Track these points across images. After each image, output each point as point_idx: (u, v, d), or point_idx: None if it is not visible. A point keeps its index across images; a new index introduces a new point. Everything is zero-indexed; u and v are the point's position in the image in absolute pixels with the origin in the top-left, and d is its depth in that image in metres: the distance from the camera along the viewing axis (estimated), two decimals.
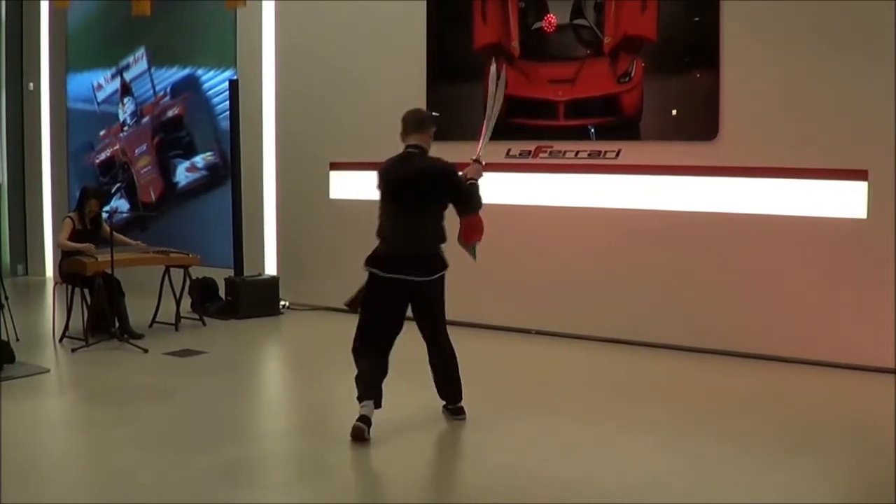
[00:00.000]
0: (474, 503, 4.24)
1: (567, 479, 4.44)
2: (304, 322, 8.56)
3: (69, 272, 7.50)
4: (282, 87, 9.11)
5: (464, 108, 7.64)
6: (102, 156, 10.83)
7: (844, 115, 6.41)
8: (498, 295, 7.82)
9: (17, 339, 7.15)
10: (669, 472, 4.51)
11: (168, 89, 10.14)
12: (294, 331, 8.31)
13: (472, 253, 5.31)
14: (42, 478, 4.47)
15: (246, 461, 4.75)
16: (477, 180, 5.21)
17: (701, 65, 6.90)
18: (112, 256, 7.28)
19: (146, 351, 7.09)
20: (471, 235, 5.23)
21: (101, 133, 10.81)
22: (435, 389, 5.33)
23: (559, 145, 7.57)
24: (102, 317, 7.43)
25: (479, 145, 5.40)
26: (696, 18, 6.91)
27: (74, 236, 7.56)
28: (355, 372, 5.07)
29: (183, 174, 10.12)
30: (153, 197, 10.38)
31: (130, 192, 10.58)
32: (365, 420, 4.90)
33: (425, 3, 8.11)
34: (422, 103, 7.19)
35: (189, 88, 9.96)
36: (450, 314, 5.26)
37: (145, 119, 10.39)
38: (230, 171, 9.06)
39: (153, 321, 8.04)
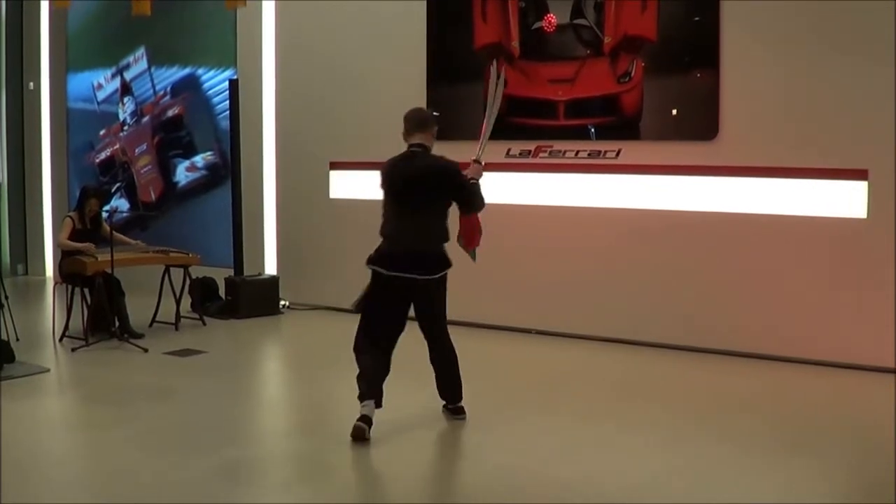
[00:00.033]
0: (474, 503, 4.24)
1: (567, 478, 4.44)
2: (304, 322, 8.56)
3: (69, 272, 7.50)
4: (282, 87, 9.11)
5: (464, 108, 7.64)
6: (102, 155, 10.83)
7: (844, 115, 6.41)
8: (498, 295, 7.82)
9: (17, 339, 7.15)
10: (669, 472, 4.51)
11: (168, 89, 10.15)
12: (294, 330, 8.31)
13: (472, 255, 5.33)
14: (42, 478, 4.47)
15: (246, 461, 4.75)
16: (478, 180, 5.21)
17: (701, 65, 6.90)
18: (112, 256, 7.28)
19: (146, 350, 7.10)
20: (471, 239, 5.24)
21: (101, 133, 10.81)
22: (435, 389, 5.33)
23: (559, 145, 7.57)
24: (102, 316, 7.43)
25: (480, 146, 5.41)
26: (697, 18, 6.91)
27: (74, 236, 7.56)
28: (356, 371, 5.07)
29: (183, 174, 10.12)
30: (153, 196, 10.38)
31: (130, 192, 10.58)
32: (366, 420, 4.90)
33: (425, 3, 8.10)
34: (422, 103, 7.18)
35: (189, 88, 9.96)
36: (450, 314, 5.25)
37: (145, 119, 10.39)
38: (230, 171, 9.06)
39: (153, 321, 8.04)
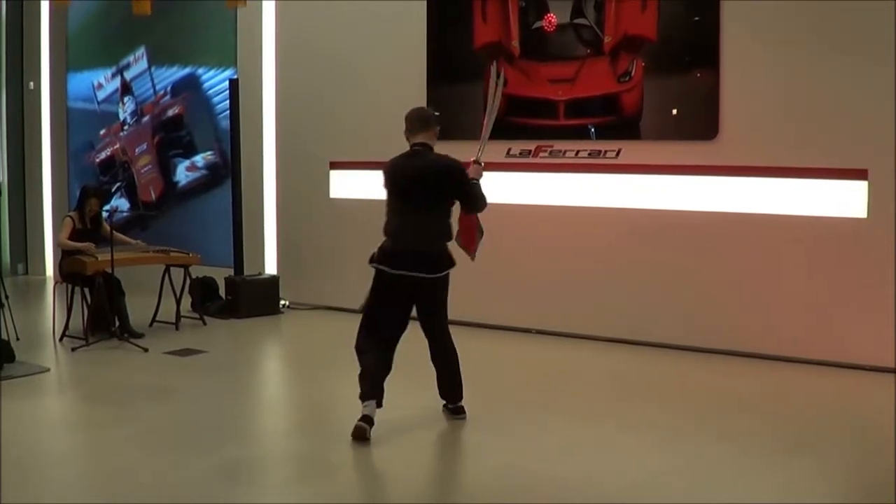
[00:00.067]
0: (474, 503, 4.24)
1: (567, 478, 4.44)
2: (305, 321, 8.56)
3: (69, 271, 7.50)
4: (282, 87, 9.11)
5: (464, 107, 7.64)
6: (103, 155, 10.83)
7: (844, 114, 6.41)
8: (498, 294, 7.82)
9: (18, 339, 7.15)
10: (669, 472, 4.51)
11: (168, 88, 10.15)
12: (294, 330, 8.31)
13: (469, 253, 5.33)
14: (42, 477, 4.47)
15: (246, 461, 4.75)
16: (478, 181, 5.22)
17: (701, 64, 6.90)
18: (112, 256, 7.28)
19: (146, 350, 7.10)
20: (470, 240, 5.25)
21: (102, 132, 10.81)
22: (435, 388, 5.33)
23: (559, 145, 7.57)
24: (103, 316, 7.43)
25: (480, 146, 5.41)
26: (697, 18, 6.91)
27: (75, 235, 7.56)
28: (357, 370, 5.07)
29: (183, 173, 10.12)
30: (153, 196, 10.38)
31: (131, 192, 10.59)
32: (367, 420, 4.91)
33: (425, 2, 8.10)
34: (422, 103, 7.15)
35: (189, 88, 9.96)
36: (450, 313, 5.26)
37: (145, 118, 10.39)
38: (230, 171, 9.06)
39: (153, 320, 8.04)
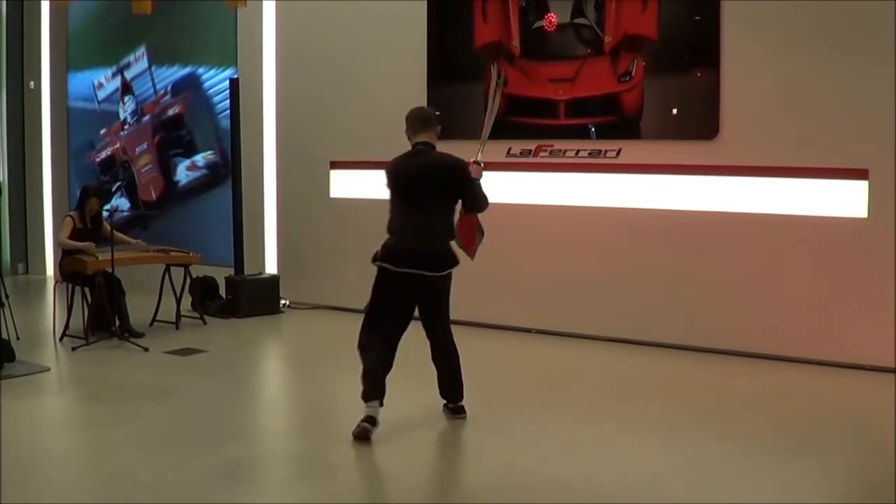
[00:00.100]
0: (474, 503, 4.24)
1: (567, 478, 4.44)
2: (305, 321, 8.56)
3: (70, 271, 7.50)
4: (282, 87, 9.11)
5: (464, 107, 7.64)
6: (103, 154, 10.83)
7: (844, 114, 6.41)
8: (498, 294, 7.82)
9: (18, 338, 7.15)
10: (670, 472, 4.51)
11: (169, 88, 10.15)
12: (294, 330, 8.31)
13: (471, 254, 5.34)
14: (42, 477, 4.47)
15: (246, 460, 4.75)
16: (478, 181, 5.22)
17: (701, 64, 6.90)
18: (112, 255, 7.28)
19: (146, 350, 7.10)
20: (470, 240, 5.25)
21: (102, 132, 10.81)
22: (436, 388, 5.33)
23: (560, 144, 7.57)
24: (103, 315, 7.43)
25: (480, 146, 5.41)
26: (697, 18, 6.91)
27: (75, 235, 7.56)
28: (359, 369, 5.07)
29: (183, 173, 10.12)
30: (154, 196, 10.38)
31: (131, 191, 10.58)
32: (370, 421, 4.91)
33: (425, 2, 8.10)
34: (422, 103, 7.15)
35: (190, 87, 9.96)
36: (450, 313, 5.26)
37: (146, 118, 10.39)
38: (231, 170, 9.07)
39: (154, 320, 8.04)
